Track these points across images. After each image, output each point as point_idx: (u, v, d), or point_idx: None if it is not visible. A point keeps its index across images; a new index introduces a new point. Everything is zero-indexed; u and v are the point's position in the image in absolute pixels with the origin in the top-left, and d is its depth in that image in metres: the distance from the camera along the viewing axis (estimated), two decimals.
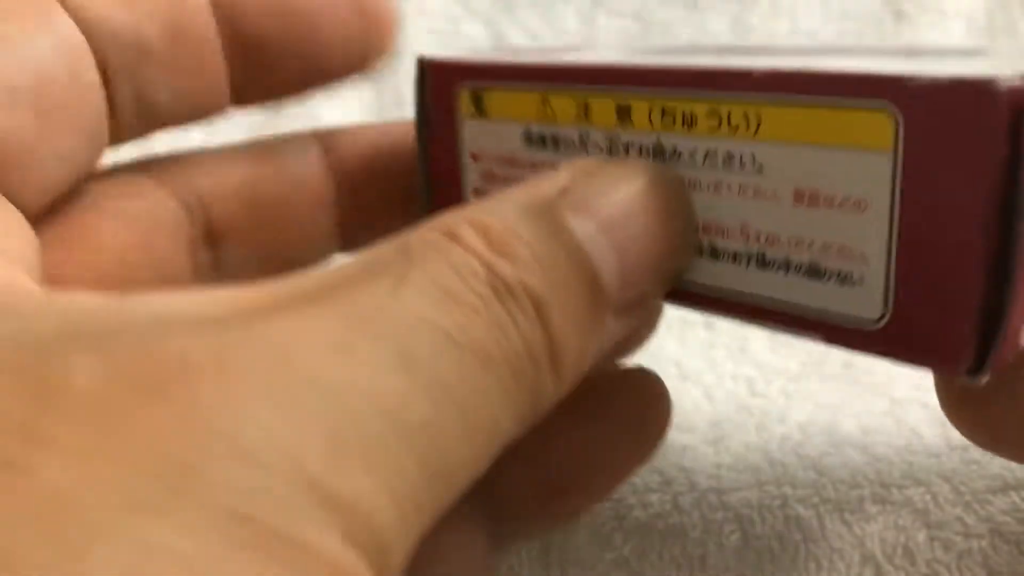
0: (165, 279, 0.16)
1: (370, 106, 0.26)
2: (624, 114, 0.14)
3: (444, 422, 0.11)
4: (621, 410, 0.17)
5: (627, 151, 0.14)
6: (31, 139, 0.14)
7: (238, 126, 0.26)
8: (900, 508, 0.18)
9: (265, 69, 0.16)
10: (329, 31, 0.16)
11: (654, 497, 0.20)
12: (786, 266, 0.13)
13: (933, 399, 0.20)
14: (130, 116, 0.15)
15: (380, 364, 0.10)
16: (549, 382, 0.12)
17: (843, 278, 0.12)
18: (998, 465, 0.19)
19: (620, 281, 0.13)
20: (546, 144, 0.15)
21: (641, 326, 0.19)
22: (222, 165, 0.18)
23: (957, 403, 0.14)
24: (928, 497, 0.18)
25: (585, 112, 0.15)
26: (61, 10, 0.14)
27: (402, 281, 0.11)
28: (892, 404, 0.21)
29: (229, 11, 0.16)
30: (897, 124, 0.11)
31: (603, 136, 0.14)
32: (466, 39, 0.26)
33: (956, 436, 0.16)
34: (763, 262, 0.13)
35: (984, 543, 0.18)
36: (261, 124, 0.26)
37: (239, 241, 0.18)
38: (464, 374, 0.11)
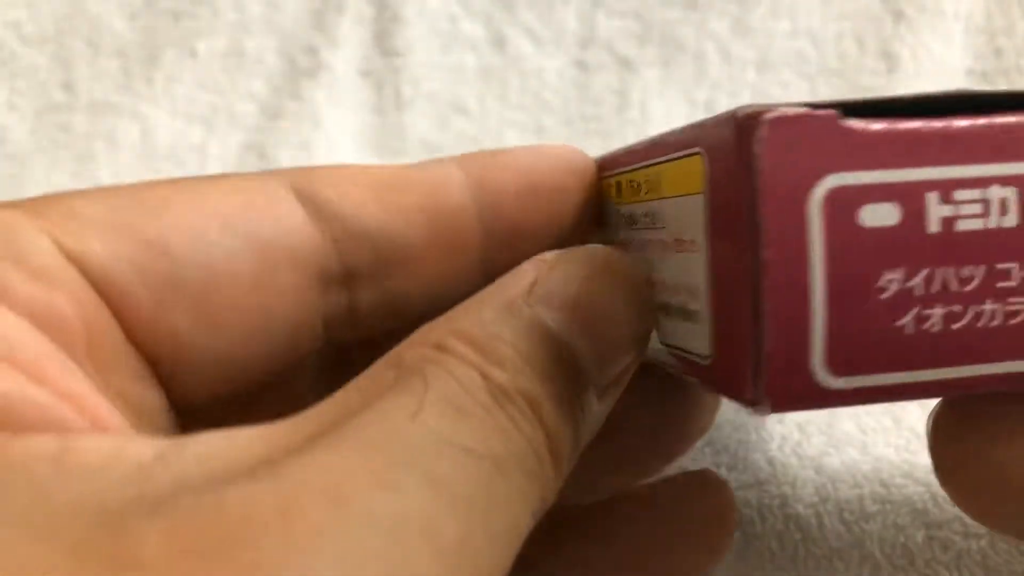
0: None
1: (370, 106, 0.26)
2: (618, 189, 0.16)
3: (474, 535, 0.11)
4: (686, 517, 0.17)
5: (628, 221, 0.16)
6: (185, 337, 0.13)
7: (235, 126, 0.26)
8: (899, 508, 0.18)
9: (513, 250, 0.16)
10: (565, 204, 0.16)
11: None
12: (669, 310, 0.14)
13: (933, 399, 0.20)
14: (375, 314, 0.15)
15: (417, 492, 0.11)
16: (552, 475, 0.12)
17: (692, 317, 0.13)
18: None
19: (598, 361, 0.13)
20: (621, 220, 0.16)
21: (700, 421, 0.19)
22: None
23: (948, 472, 0.14)
24: (927, 497, 0.19)
25: (616, 190, 0.16)
26: (297, 211, 0.14)
27: (420, 403, 0.12)
28: (892, 403, 0.21)
29: (490, 199, 0.15)
30: (704, 166, 0.12)
31: (619, 210, 0.16)
32: (467, 39, 0.26)
33: None
34: (666, 310, 0.14)
35: (983, 543, 0.18)
36: (259, 124, 0.26)
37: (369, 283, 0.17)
38: (485, 484, 0.11)
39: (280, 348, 0.14)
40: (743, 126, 0.11)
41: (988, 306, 0.11)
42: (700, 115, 0.25)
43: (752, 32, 0.25)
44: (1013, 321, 0.11)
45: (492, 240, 0.16)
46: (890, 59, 0.25)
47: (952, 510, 0.18)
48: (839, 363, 0.11)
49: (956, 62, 0.25)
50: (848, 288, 0.11)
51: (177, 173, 0.25)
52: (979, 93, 0.12)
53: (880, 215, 0.11)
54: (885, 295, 0.11)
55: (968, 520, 0.18)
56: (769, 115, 0.11)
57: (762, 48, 0.25)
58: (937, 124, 0.11)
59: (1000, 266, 0.11)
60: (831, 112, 0.11)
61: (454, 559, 0.11)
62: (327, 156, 0.25)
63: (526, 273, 0.14)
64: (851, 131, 0.11)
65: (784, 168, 0.11)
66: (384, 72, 0.26)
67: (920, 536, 0.18)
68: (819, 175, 0.11)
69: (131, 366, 0.13)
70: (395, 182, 0.15)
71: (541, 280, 0.13)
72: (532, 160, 0.16)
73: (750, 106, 0.11)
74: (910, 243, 0.11)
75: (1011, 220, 0.11)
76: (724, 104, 0.25)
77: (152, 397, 0.13)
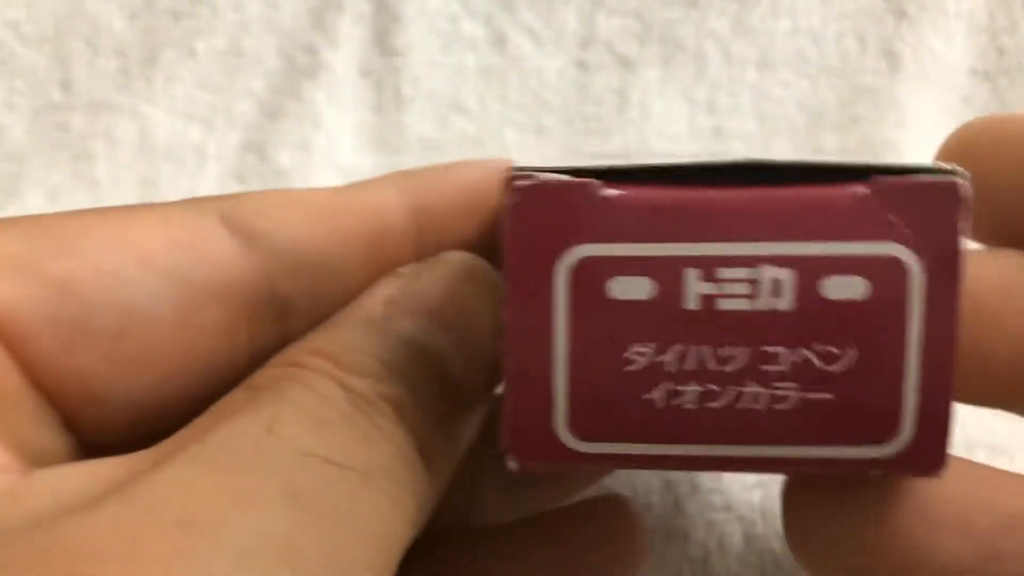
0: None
1: (370, 105, 0.26)
2: None
3: (341, 550, 0.11)
4: (589, 539, 0.17)
5: None
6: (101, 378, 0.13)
7: (235, 126, 0.26)
8: None
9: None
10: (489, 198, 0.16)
11: (656, 499, 0.20)
12: None
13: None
14: (305, 331, 0.14)
15: (274, 509, 0.10)
16: (427, 481, 0.12)
17: None
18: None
19: (465, 362, 0.13)
20: None
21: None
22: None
23: (793, 538, 0.14)
24: None
25: None
26: (226, 245, 0.13)
27: (276, 416, 0.11)
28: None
29: (429, 220, 0.15)
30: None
31: None
32: (467, 38, 0.26)
33: (957, 435, 0.16)
34: None
35: None
36: (259, 124, 0.26)
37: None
38: (351, 496, 0.11)
39: (202, 387, 0.13)
40: (505, 190, 0.11)
41: (750, 388, 0.11)
42: (700, 115, 0.25)
43: (752, 31, 0.25)
44: (780, 406, 0.11)
45: (422, 250, 0.15)
46: (891, 58, 0.25)
47: None
48: (582, 428, 0.11)
49: (958, 61, 0.24)
50: (593, 358, 0.11)
51: (176, 173, 0.25)
52: (777, 162, 0.11)
53: (631, 288, 0.11)
54: (632, 367, 0.11)
55: None
56: (520, 182, 0.11)
57: (763, 47, 0.25)
58: (698, 195, 0.11)
59: (768, 349, 0.11)
60: (588, 181, 0.11)
61: (319, 570, 0.10)
62: (327, 156, 0.25)
63: (382, 288, 0.14)
64: (605, 201, 0.11)
65: (532, 235, 0.11)
66: (384, 72, 0.26)
67: None
68: (568, 245, 0.11)
69: (29, 408, 0.12)
70: (333, 207, 0.14)
71: (402, 291, 0.13)
72: (471, 177, 0.15)
73: (520, 169, 0.11)
74: (663, 318, 0.11)
75: (785, 303, 0.11)
76: (724, 104, 0.25)
77: (53, 439, 0.13)
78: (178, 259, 0.13)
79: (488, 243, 0.15)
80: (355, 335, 0.13)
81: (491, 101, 0.25)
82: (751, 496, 0.19)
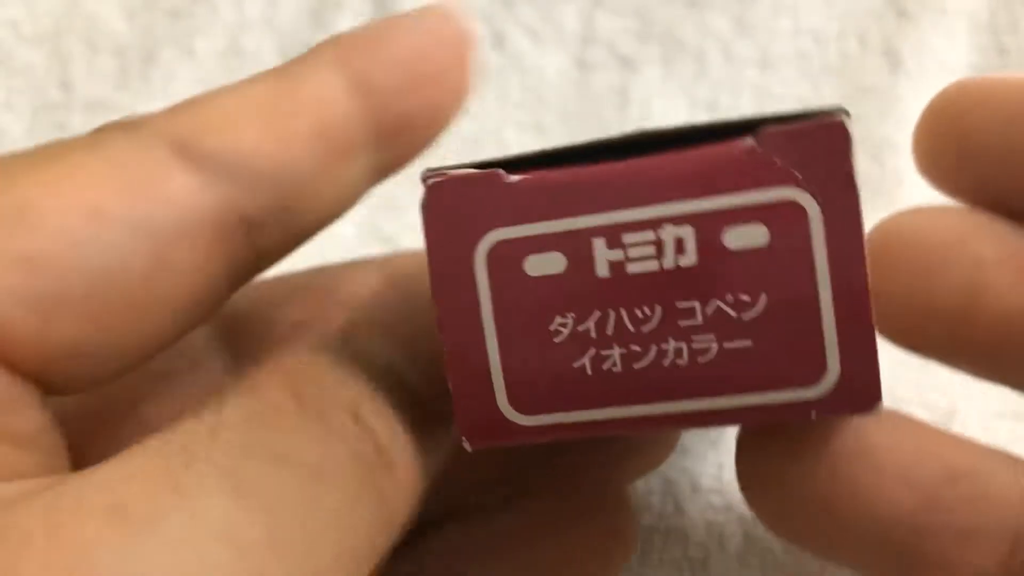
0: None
1: None
2: None
3: (291, 534, 0.11)
4: (585, 531, 0.17)
5: None
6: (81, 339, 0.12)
7: None
8: None
9: (405, 144, 0.15)
10: (449, 86, 0.15)
11: (655, 499, 0.20)
12: None
13: (935, 399, 0.20)
14: (279, 252, 0.14)
15: (213, 495, 0.10)
16: (392, 484, 0.12)
17: None
18: None
19: (419, 373, 0.13)
20: None
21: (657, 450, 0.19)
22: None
23: (748, 491, 0.14)
24: None
25: None
26: (182, 179, 0.13)
27: (220, 419, 0.11)
28: (894, 403, 0.21)
29: (376, 99, 0.14)
30: None
31: None
32: None
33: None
34: None
35: None
36: None
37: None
38: (301, 489, 0.11)
39: (185, 321, 0.13)
40: (422, 191, 0.12)
41: (671, 345, 0.11)
42: (701, 114, 0.25)
43: (753, 30, 0.25)
44: (702, 359, 0.11)
45: (383, 140, 0.14)
46: (893, 57, 0.24)
47: None
48: (522, 403, 0.12)
49: (960, 60, 0.24)
50: (521, 334, 0.12)
51: None
52: (670, 129, 0.12)
53: (545, 264, 0.12)
54: (559, 339, 0.12)
55: None
56: (431, 180, 0.12)
57: (763, 47, 0.25)
58: (595, 170, 0.11)
59: (681, 305, 0.11)
60: (492, 171, 0.12)
61: (261, 558, 0.10)
62: None
63: (334, 315, 0.14)
64: (510, 187, 0.12)
65: (448, 228, 0.12)
66: None
67: None
68: (481, 232, 0.12)
69: (3, 398, 0.12)
70: (279, 107, 0.14)
71: (357, 312, 0.13)
72: (416, 41, 0.14)
73: (432, 169, 0.12)
74: (579, 288, 0.12)
75: (690, 259, 0.11)
76: (725, 103, 0.25)
77: (27, 420, 0.12)
78: (135, 205, 0.12)
79: (448, 108, 0.15)
80: (310, 353, 0.13)
81: (490, 100, 0.25)
82: None
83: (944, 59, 0.24)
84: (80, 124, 0.26)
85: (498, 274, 0.12)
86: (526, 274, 0.12)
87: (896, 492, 0.13)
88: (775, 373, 0.11)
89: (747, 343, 0.11)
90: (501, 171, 0.12)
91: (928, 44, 0.24)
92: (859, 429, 0.13)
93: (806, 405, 0.11)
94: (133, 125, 0.13)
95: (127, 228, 0.12)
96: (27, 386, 0.12)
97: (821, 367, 0.11)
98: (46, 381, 0.12)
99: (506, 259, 0.12)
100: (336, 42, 0.14)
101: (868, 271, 0.11)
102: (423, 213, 0.12)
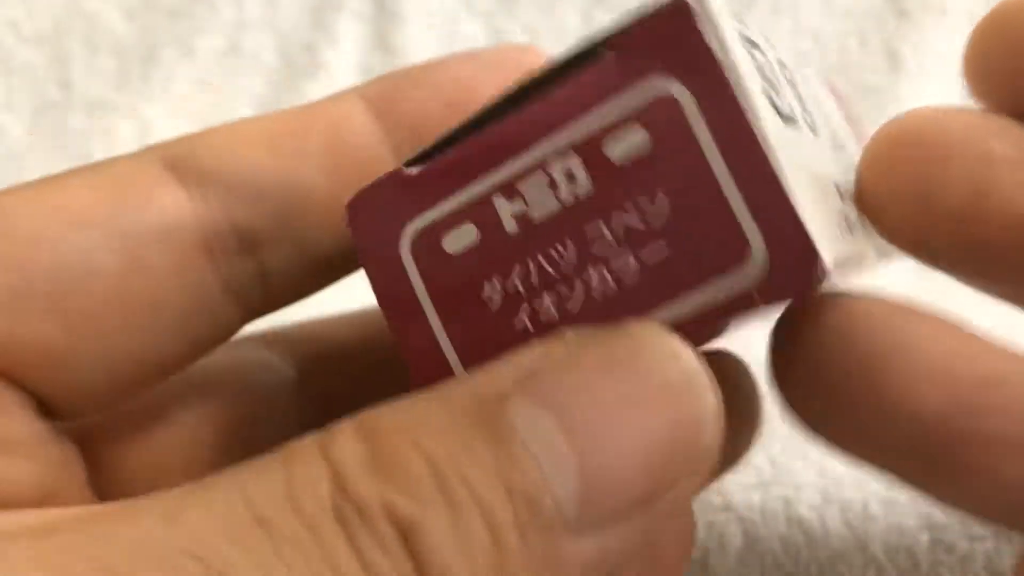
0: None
1: None
2: None
3: None
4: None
5: None
6: (59, 345, 0.12)
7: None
8: (903, 510, 0.18)
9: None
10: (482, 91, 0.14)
11: None
12: None
13: None
14: (291, 272, 0.14)
15: None
16: None
17: None
18: None
19: (581, 496, 0.10)
20: None
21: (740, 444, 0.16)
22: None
23: (787, 381, 0.13)
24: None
25: None
26: (169, 188, 0.13)
27: (180, 509, 0.09)
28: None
29: (404, 121, 0.14)
30: None
31: None
32: (466, 37, 0.26)
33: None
34: None
35: (988, 545, 0.18)
36: None
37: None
38: None
39: (184, 336, 0.13)
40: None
41: (593, 273, 0.12)
42: None
43: None
44: (626, 278, 0.11)
45: (400, 150, 0.14)
46: (893, 57, 0.24)
47: (957, 513, 0.18)
48: None
49: (960, 60, 0.24)
50: (459, 311, 0.12)
51: None
52: (540, 73, 0.12)
53: (461, 238, 0.12)
54: (494, 305, 0.12)
55: (973, 523, 0.18)
56: (351, 196, 0.12)
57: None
58: (476, 137, 0.12)
59: (588, 231, 0.11)
60: (394, 170, 0.12)
61: None
62: None
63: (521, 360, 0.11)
64: (411, 180, 0.12)
65: (372, 235, 0.12)
66: (383, 70, 0.26)
67: (924, 539, 0.18)
68: (399, 228, 0.12)
69: None
70: (290, 128, 0.14)
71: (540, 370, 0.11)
72: (456, 71, 0.14)
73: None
74: (495, 250, 0.12)
75: (585, 186, 0.11)
76: None
77: (21, 426, 0.12)
78: (114, 210, 0.13)
79: None
80: (443, 421, 0.11)
81: None
82: (751, 496, 0.19)
83: (944, 59, 0.24)
84: (80, 124, 0.26)
85: (424, 262, 0.12)
86: (448, 254, 0.12)
87: (929, 392, 0.12)
88: (700, 266, 0.11)
89: (663, 248, 0.11)
90: (401, 168, 0.12)
91: (928, 44, 0.24)
92: (896, 325, 0.13)
93: (747, 293, 0.11)
94: (142, 150, 0.14)
95: (99, 229, 0.12)
96: (13, 392, 0.12)
97: (743, 245, 0.11)
98: (37, 392, 0.12)
99: (428, 247, 0.12)
100: (374, 79, 0.14)
101: (763, 139, 0.10)
102: (350, 230, 0.12)
